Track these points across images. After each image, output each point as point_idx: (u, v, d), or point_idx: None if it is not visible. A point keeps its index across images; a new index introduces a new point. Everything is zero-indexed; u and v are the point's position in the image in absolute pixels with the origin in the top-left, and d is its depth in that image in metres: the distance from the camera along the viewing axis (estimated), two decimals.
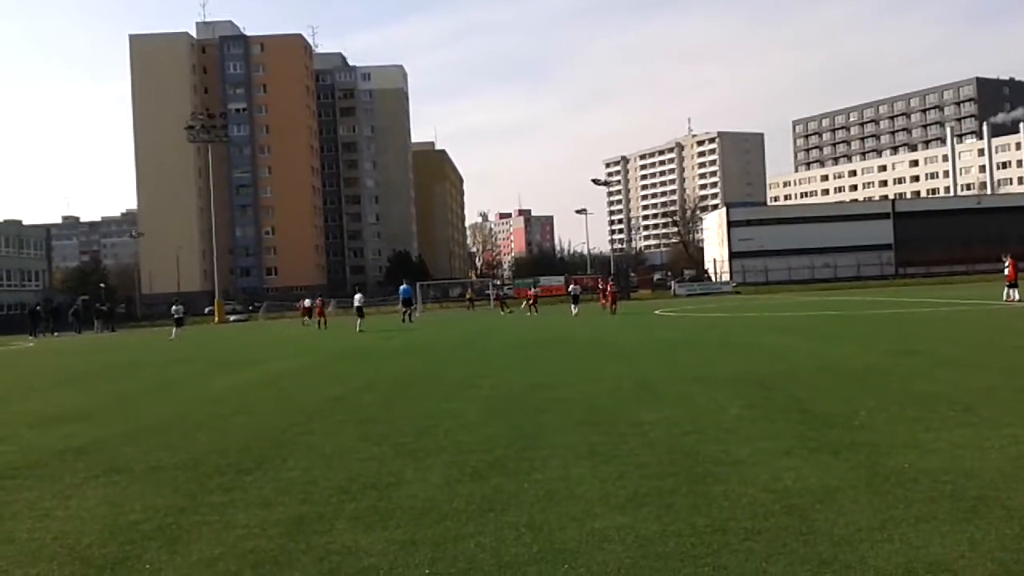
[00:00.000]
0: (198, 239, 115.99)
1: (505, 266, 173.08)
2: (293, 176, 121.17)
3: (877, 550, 4.26)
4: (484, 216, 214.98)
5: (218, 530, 5.28)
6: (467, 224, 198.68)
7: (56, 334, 52.05)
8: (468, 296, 65.09)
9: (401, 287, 42.86)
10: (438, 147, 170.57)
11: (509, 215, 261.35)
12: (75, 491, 6.65)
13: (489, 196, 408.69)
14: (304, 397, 12.41)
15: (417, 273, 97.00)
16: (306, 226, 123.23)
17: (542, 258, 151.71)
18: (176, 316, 38.55)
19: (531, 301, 46.03)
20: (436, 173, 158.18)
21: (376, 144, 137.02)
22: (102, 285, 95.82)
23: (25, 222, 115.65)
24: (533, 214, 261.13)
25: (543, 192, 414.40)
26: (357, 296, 37.68)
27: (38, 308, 57.92)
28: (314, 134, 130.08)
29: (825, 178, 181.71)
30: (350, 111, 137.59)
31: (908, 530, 4.55)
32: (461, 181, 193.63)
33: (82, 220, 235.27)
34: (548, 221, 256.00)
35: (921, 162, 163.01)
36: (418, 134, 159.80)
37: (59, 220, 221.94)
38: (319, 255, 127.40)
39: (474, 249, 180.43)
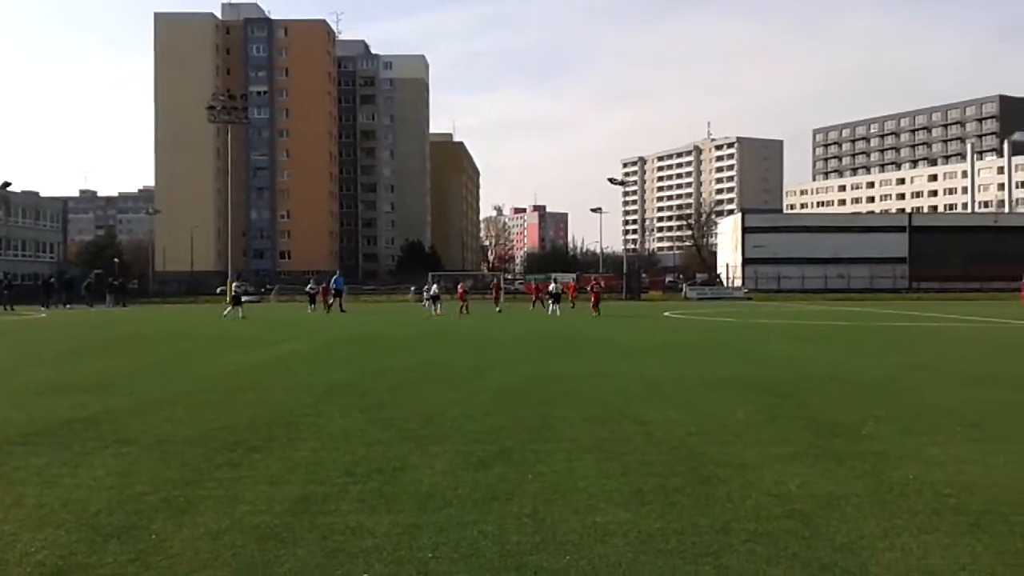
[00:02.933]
0: (213, 219, 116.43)
1: (517, 261, 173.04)
2: (310, 161, 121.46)
3: (878, 558, 4.27)
4: (499, 210, 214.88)
5: (224, 504, 5.34)
6: (481, 217, 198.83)
7: (68, 306, 52.34)
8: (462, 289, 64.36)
9: (334, 277, 41.62)
10: (456, 139, 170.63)
11: (524, 210, 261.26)
12: (83, 460, 6.72)
13: (504, 190, 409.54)
14: (313, 379, 12.48)
15: (430, 263, 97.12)
16: (321, 211, 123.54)
17: (555, 255, 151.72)
18: (311, 292, 39.22)
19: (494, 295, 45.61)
20: (453, 165, 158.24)
21: (394, 133, 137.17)
22: (116, 260, 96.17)
23: (43, 194, 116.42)
24: (548, 210, 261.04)
25: (559, 189, 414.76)
26: (434, 287, 38.79)
27: (51, 279, 58.23)
28: (333, 120, 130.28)
29: (843, 188, 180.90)
30: (370, 99, 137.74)
31: (910, 540, 4.56)
32: (477, 174, 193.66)
33: (99, 194, 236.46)
34: (562, 218, 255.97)
35: (940, 177, 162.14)
36: (436, 125, 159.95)
37: (76, 193, 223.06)
38: (333, 241, 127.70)
39: (487, 242, 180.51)
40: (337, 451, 7.02)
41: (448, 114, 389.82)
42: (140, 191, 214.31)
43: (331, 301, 40.20)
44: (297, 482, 5.95)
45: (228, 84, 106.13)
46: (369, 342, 21.38)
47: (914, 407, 9.50)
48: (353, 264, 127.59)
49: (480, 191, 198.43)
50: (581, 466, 6.39)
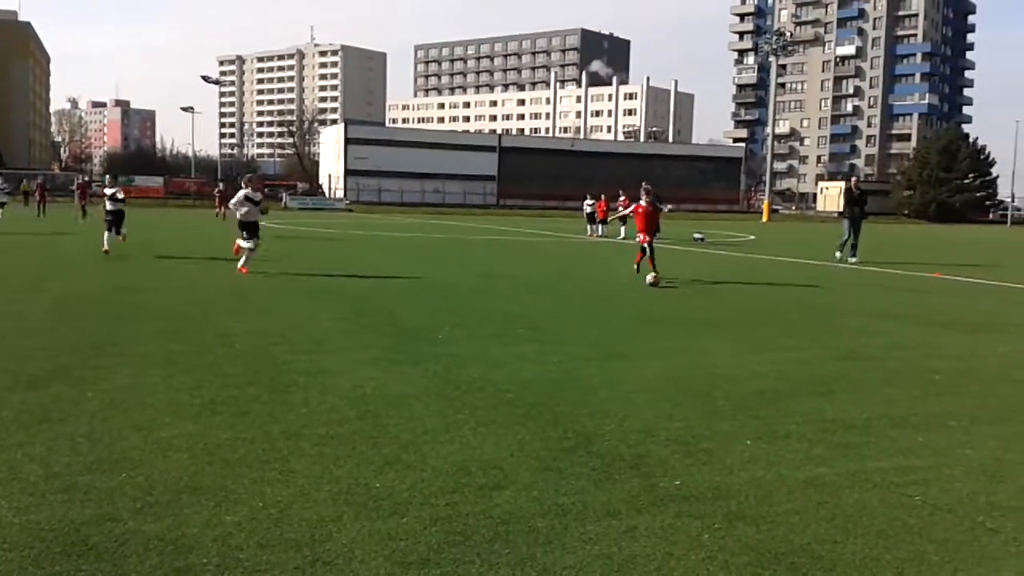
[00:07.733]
0: None
1: (96, 161, 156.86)
2: None
3: (438, 450, 4.56)
4: (74, 103, 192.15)
5: None
6: (52, 110, 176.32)
7: None
8: (36, 191, 53.20)
9: None
10: (22, 19, 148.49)
11: (104, 105, 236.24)
12: None
13: (81, 81, 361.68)
14: None
15: None
16: None
17: (140, 156, 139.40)
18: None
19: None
20: (17, 48, 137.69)
21: None
22: None
23: None
24: (132, 107, 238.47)
25: (145, 84, 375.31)
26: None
27: None
28: None
29: (442, 106, 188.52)
30: None
31: (468, 433, 4.92)
32: (48, 60, 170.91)
33: None
34: (149, 116, 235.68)
35: (527, 102, 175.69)
36: None
37: None
38: None
39: (59, 139, 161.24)
40: None
41: None
42: None
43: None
44: None
45: None
46: None
47: (488, 312, 10.30)
48: None
49: (51, 80, 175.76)
50: (149, 381, 6.01)
